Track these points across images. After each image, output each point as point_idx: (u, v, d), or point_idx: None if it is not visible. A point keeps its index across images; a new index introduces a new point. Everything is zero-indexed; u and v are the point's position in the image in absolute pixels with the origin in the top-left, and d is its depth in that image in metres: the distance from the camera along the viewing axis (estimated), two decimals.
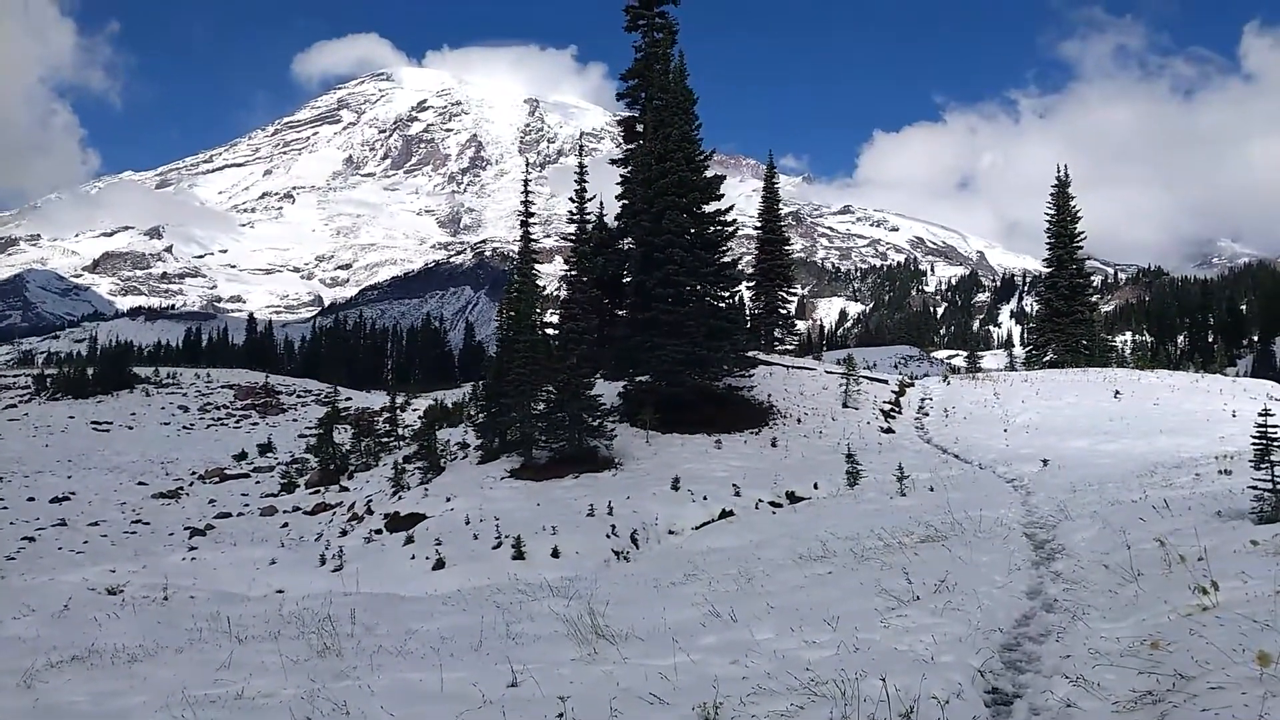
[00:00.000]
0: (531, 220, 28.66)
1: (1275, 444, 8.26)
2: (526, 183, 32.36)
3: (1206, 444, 23.26)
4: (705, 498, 18.50)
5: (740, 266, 56.51)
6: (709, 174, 29.30)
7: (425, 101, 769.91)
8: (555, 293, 27.89)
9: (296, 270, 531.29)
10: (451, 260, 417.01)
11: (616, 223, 33.11)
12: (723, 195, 29.41)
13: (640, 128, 33.58)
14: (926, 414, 31.36)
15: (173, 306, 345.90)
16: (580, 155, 28.98)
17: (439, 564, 13.22)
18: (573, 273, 27.46)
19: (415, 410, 55.73)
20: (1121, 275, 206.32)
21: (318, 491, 32.21)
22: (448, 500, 20.75)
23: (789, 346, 51.16)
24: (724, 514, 17.69)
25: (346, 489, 31.65)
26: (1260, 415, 8.47)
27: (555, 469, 22.84)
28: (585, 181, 27.12)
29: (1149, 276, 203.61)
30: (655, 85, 31.27)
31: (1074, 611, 6.52)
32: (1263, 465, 8.30)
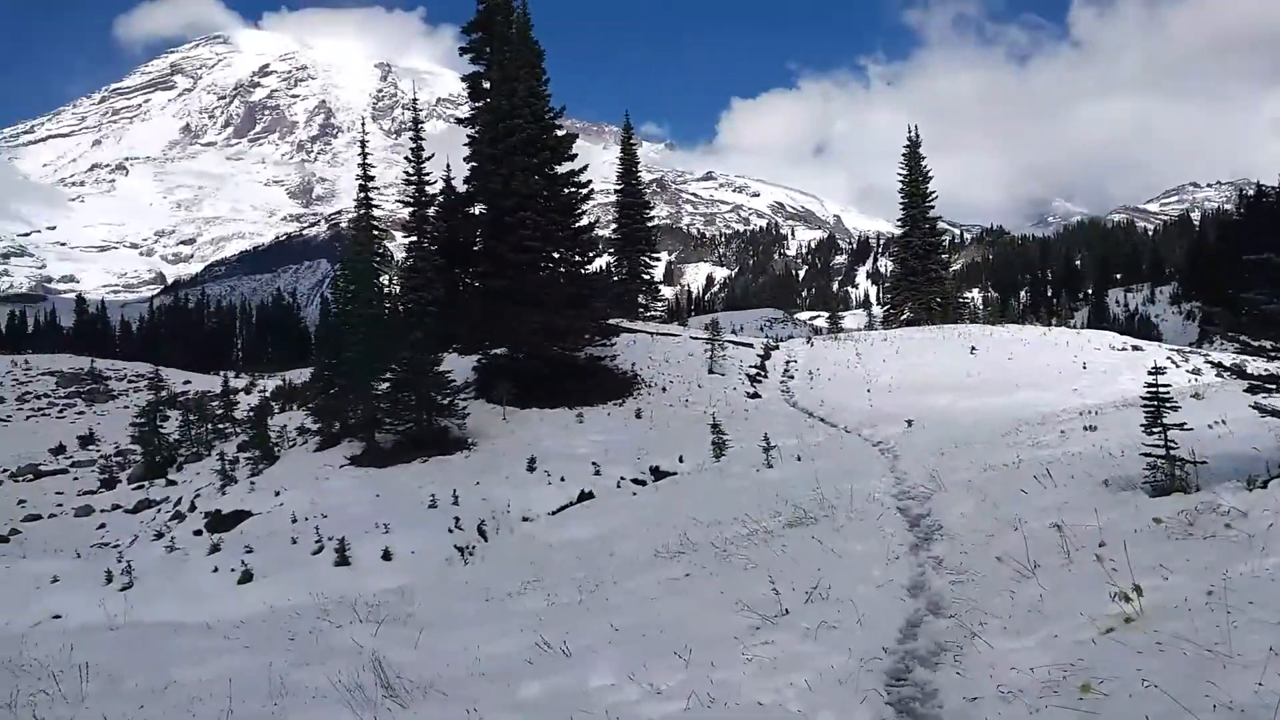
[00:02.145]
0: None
1: (1167, 405, 7.48)
2: (364, 143, 29.96)
3: (1062, 396, 23.58)
4: (563, 478, 17.13)
5: (604, 233, 55.14)
6: (560, 133, 27.62)
7: (268, 66, 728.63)
8: (408, 262, 25.67)
9: (135, 247, 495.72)
10: (305, 233, 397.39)
11: (465, 185, 31.02)
12: (575, 155, 27.81)
13: (487, 85, 31.53)
14: (792, 377, 30.95)
15: None
16: (414, 109, 26.68)
17: (246, 576, 11.35)
18: (413, 238, 25.31)
19: (263, 392, 52.02)
20: (967, 235, 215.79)
21: (141, 487, 29.13)
22: (277, 494, 18.64)
23: (655, 313, 50.17)
24: (583, 496, 16.37)
25: (174, 483, 28.76)
26: (1151, 373, 7.68)
27: (401, 454, 20.96)
28: (422, 138, 25.00)
29: (992, 236, 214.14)
30: (499, 39, 29.25)
31: (967, 620, 5.47)
32: (1154, 429, 7.53)
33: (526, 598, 8.24)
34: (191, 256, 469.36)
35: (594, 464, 17.78)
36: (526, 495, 16.28)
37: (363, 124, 34.09)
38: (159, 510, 24.99)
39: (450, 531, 13.39)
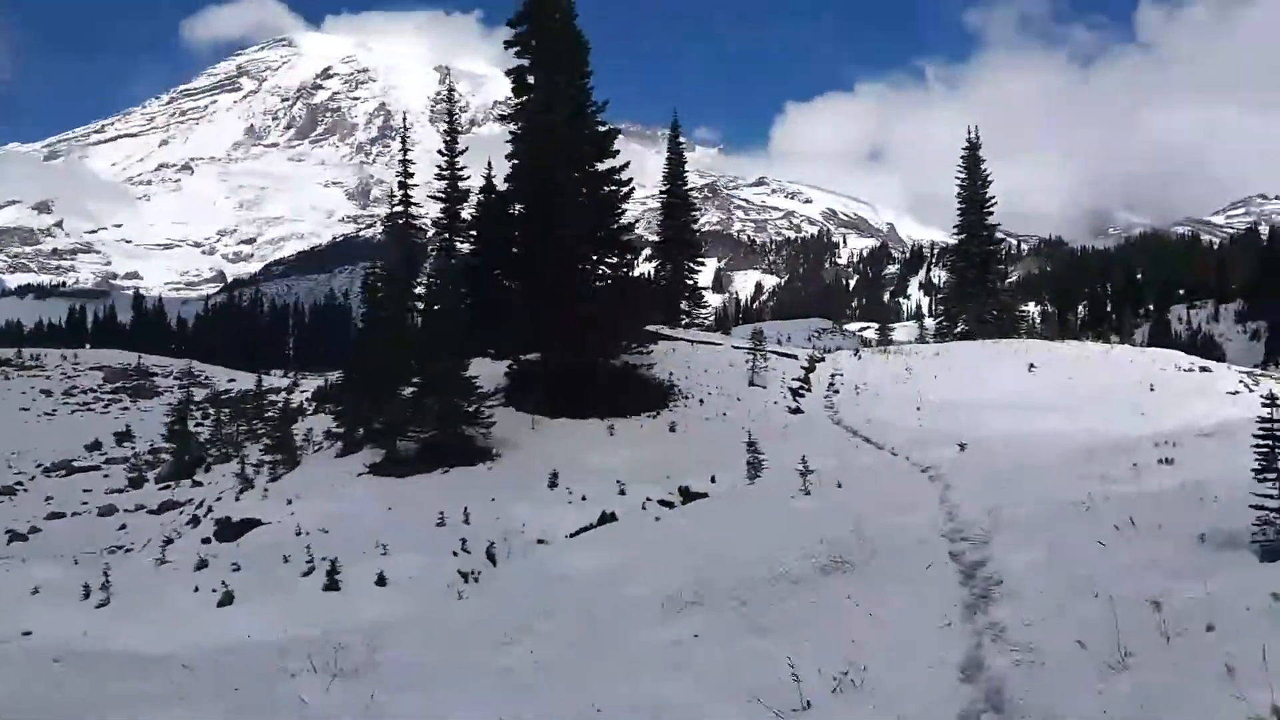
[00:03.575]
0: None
1: None
2: (404, 139, 29.26)
3: (1129, 421, 21.90)
4: (584, 497, 16.03)
5: (651, 236, 53.98)
6: (602, 128, 26.55)
7: (330, 69, 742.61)
8: (433, 260, 24.82)
9: (197, 245, 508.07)
10: (361, 234, 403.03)
11: (506, 184, 30.13)
12: (618, 151, 26.72)
13: (531, 80, 30.59)
14: (837, 391, 29.52)
15: (64, 284, 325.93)
16: (450, 101, 25.83)
17: (227, 598, 10.42)
18: (444, 236, 24.45)
19: (305, 392, 51.80)
20: (1024, 246, 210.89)
21: (168, 487, 28.81)
22: (289, 503, 17.83)
23: (699, 320, 48.85)
24: (605, 518, 15.23)
25: (200, 484, 28.34)
26: (1266, 403, 6.26)
27: (423, 463, 20.06)
28: (457, 131, 24.14)
29: (1050, 247, 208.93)
30: (544, 31, 28.31)
31: None
32: (1266, 476, 6.17)
33: (511, 650, 7.13)
34: (251, 256, 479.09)
35: (619, 482, 16.64)
36: (545, 514, 15.20)
37: (403, 119, 33.53)
38: (181, 512, 24.49)
39: (455, 554, 12.35)
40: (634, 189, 26.77)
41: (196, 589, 10.92)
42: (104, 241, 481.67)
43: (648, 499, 16.10)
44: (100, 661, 8.10)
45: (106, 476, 32.81)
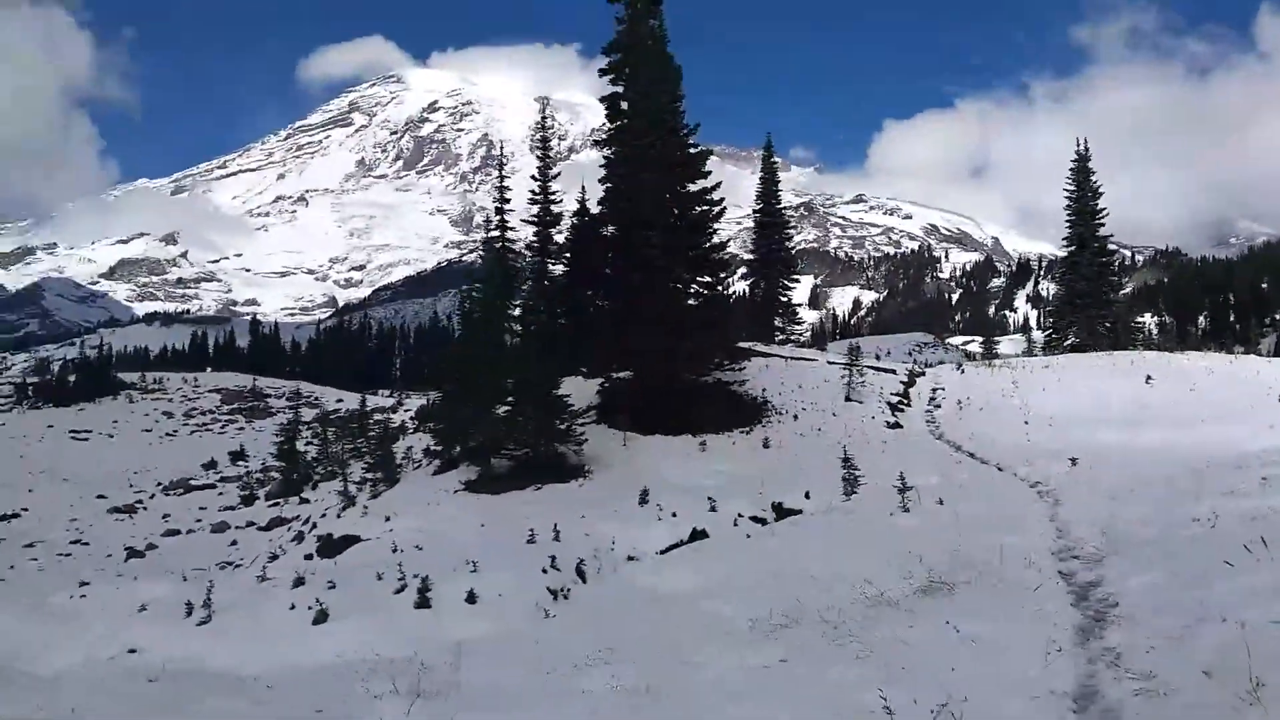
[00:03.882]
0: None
1: None
2: (501, 164, 29.80)
3: (1256, 434, 20.37)
4: (675, 514, 15.78)
5: (746, 256, 53.63)
6: (694, 150, 26.50)
7: (436, 102, 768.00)
8: (528, 283, 25.10)
9: (311, 272, 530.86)
10: (465, 259, 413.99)
11: (599, 207, 30.41)
12: (709, 172, 26.61)
13: (625, 105, 30.82)
14: (938, 406, 28.51)
15: (188, 311, 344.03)
16: (542, 126, 26.15)
17: (321, 616, 10.58)
18: (537, 258, 24.72)
19: (408, 411, 53.12)
20: (1138, 258, 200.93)
21: (277, 504, 29.80)
22: (387, 520, 18.14)
23: (794, 337, 48.11)
24: (695, 535, 14.97)
25: (308, 501, 29.22)
26: None
27: (516, 480, 20.18)
28: (550, 155, 24.41)
29: (1166, 258, 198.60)
30: (637, 58, 28.54)
31: None
32: None
33: (594, 672, 6.95)
34: (361, 282, 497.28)
35: (710, 499, 16.34)
36: (635, 532, 15.03)
37: (500, 147, 34.15)
38: (288, 529, 25.27)
39: (544, 572, 12.27)
40: (725, 209, 26.61)
41: (293, 606, 11.14)
42: (225, 270, 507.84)
43: (740, 515, 15.77)
44: (193, 681, 8.29)
45: (221, 494, 34.21)
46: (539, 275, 23.65)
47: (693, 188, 26.60)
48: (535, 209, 24.21)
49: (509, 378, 21.14)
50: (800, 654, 6.36)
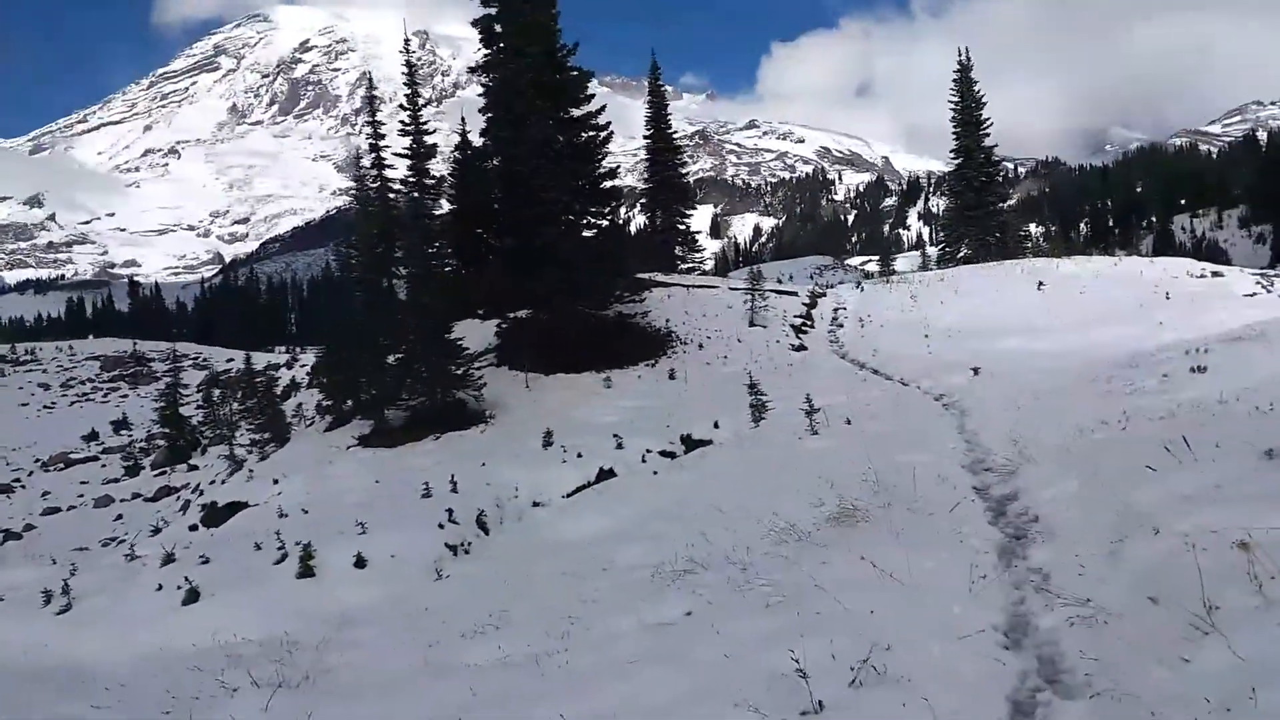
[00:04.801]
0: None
1: None
2: (372, 100, 27.95)
3: (1148, 332, 20.89)
4: (580, 455, 15.11)
5: (639, 187, 52.57)
6: (574, 72, 25.21)
7: (308, 41, 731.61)
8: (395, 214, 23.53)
9: (192, 228, 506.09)
10: (355, 206, 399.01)
11: (481, 139, 28.89)
12: (593, 95, 25.42)
13: (498, 29, 29.18)
14: (841, 325, 28.50)
15: (62, 277, 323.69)
16: (406, 50, 24.45)
17: (191, 595, 9.60)
18: (414, 195, 23.29)
19: (304, 367, 50.90)
20: (1021, 170, 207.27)
21: (164, 473, 28.00)
22: (275, 482, 17.00)
23: (696, 266, 47.54)
24: (603, 474, 14.37)
25: (196, 468, 27.60)
26: None
27: (413, 431, 19.15)
28: (417, 84, 22.77)
29: (1047, 168, 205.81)
30: None
31: (1113, 713, 3.34)
32: None
33: (481, 642, 6.27)
34: (247, 235, 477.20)
35: (616, 435, 15.70)
36: (539, 475, 14.32)
37: (369, 79, 31.84)
38: (176, 498, 23.77)
39: (442, 527, 11.47)
40: (612, 134, 25.50)
41: (160, 587, 10.10)
42: (98, 232, 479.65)
43: (647, 451, 15.21)
44: (38, 681, 7.29)
45: (104, 467, 32.04)
46: (419, 214, 22.28)
47: (577, 113, 25.39)
48: (407, 142, 22.71)
49: (397, 325, 19.96)
50: (704, 606, 5.77)
